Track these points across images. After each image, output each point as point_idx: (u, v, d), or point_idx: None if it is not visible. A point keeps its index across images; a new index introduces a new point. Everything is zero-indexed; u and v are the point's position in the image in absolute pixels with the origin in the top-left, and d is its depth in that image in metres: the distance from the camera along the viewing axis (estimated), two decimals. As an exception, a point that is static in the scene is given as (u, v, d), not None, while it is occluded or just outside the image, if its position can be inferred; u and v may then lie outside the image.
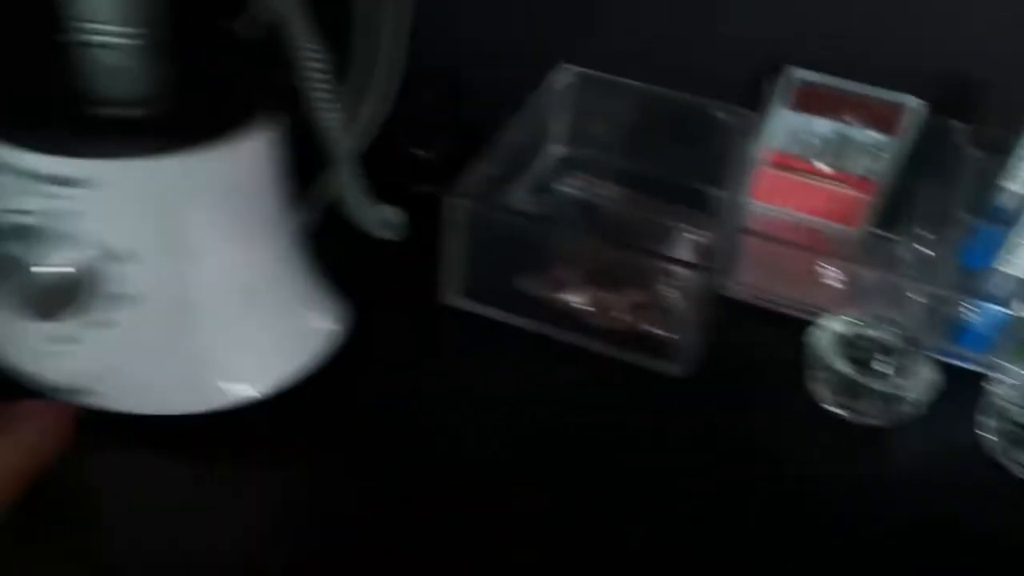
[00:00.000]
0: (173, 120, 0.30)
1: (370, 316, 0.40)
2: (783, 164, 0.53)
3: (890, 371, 0.39)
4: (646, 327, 0.42)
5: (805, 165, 0.53)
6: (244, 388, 0.34)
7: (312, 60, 0.34)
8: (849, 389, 0.39)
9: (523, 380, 0.41)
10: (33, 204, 0.28)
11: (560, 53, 0.55)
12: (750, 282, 0.47)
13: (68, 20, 0.28)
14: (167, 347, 0.33)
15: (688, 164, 0.55)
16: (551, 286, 0.42)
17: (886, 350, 0.40)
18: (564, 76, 0.54)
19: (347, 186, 0.44)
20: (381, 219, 0.46)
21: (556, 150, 0.56)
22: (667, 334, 0.42)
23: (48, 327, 0.31)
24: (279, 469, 0.35)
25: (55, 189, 0.28)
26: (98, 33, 0.28)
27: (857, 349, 0.40)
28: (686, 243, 0.47)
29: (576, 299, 0.42)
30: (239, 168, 0.31)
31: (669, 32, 0.54)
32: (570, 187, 0.52)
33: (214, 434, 0.34)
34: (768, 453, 0.39)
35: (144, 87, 0.30)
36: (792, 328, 0.45)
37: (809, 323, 0.44)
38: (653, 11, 0.54)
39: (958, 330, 0.44)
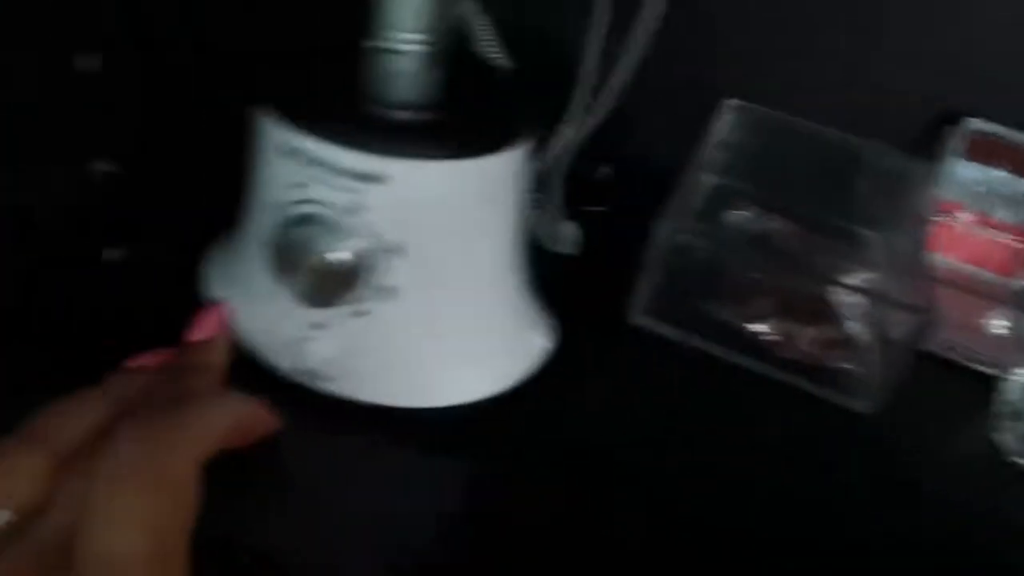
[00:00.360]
0: (456, 127, 0.31)
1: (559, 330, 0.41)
2: (953, 213, 0.53)
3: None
4: (832, 361, 0.42)
5: (974, 215, 0.53)
6: (467, 390, 0.35)
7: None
8: (1045, 441, 0.39)
9: (705, 402, 0.42)
10: (329, 195, 0.29)
11: (728, 87, 0.56)
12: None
13: (373, 27, 0.30)
14: (406, 341, 0.34)
15: (845, 205, 0.56)
16: (740, 314, 0.43)
17: (1082, 404, 0.40)
18: (732, 110, 0.55)
19: (534, 201, 0.46)
20: (560, 235, 0.47)
21: (716, 181, 0.57)
22: (852, 369, 0.42)
23: (311, 313, 0.32)
24: (478, 467, 0.36)
25: (350, 183, 0.29)
26: (398, 40, 0.30)
27: (1052, 401, 0.40)
28: (863, 282, 0.47)
29: (764, 328, 0.43)
30: (502, 178, 0.33)
31: (840, 74, 0.55)
32: (735, 218, 0.53)
33: (427, 428, 0.35)
34: (944, 497, 0.39)
35: (430, 95, 0.31)
36: (963, 376, 0.46)
37: (980, 372, 0.44)
38: (828, 52, 0.55)
39: None
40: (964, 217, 0.54)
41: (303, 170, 0.30)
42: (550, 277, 0.42)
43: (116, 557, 0.24)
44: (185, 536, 0.26)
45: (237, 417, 0.29)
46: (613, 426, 0.39)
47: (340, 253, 0.30)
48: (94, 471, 0.25)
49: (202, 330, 0.34)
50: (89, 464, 0.26)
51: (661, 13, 0.34)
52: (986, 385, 0.44)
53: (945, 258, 0.55)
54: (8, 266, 0.32)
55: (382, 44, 0.30)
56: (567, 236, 0.47)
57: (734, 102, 0.56)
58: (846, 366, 0.42)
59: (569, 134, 0.43)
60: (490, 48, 0.45)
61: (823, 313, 0.43)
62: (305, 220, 0.30)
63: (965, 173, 0.53)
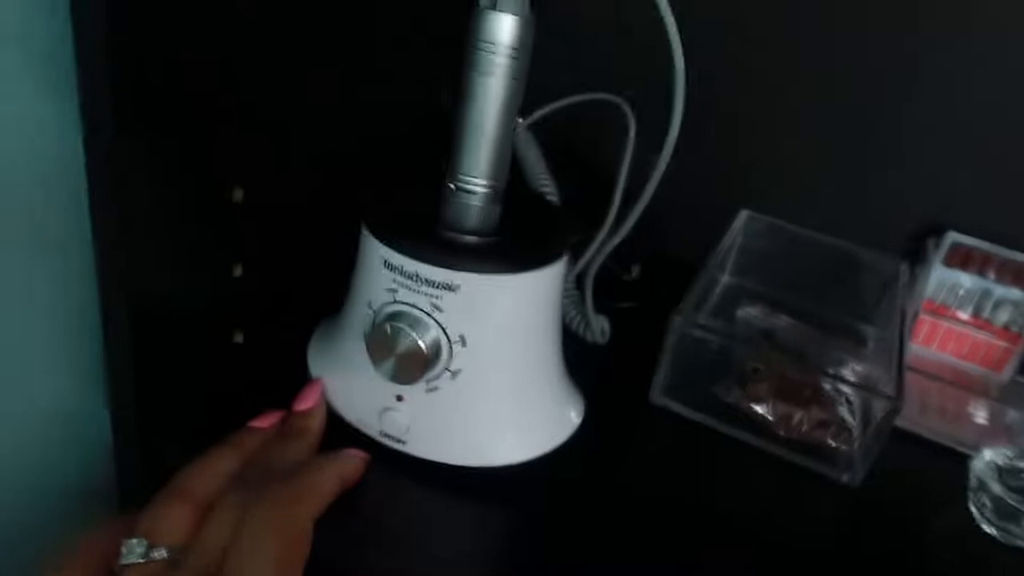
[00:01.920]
0: (511, 248, 0.41)
1: (589, 408, 0.49)
2: (938, 313, 0.61)
3: (1042, 500, 0.46)
4: (822, 439, 0.50)
5: (957, 315, 0.61)
6: (514, 453, 0.44)
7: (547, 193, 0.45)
8: (1005, 513, 0.46)
9: (712, 472, 0.49)
10: (414, 298, 0.39)
11: (743, 198, 0.66)
12: (910, 415, 0.54)
13: (450, 171, 0.40)
14: (466, 413, 0.43)
15: (845, 303, 0.64)
16: (744, 396, 0.51)
17: (1039, 481, 0.47)
18: (745, 218, 0.64)
19: (571, 297, 0.55)
20: (593, 327, 0.56)
21: (731, 280, 0.66)
22: (839, 447, 0.50)
23: (394, 388, 0.41)
24: (521, 516, 0.44)
25: (430, 290, 0.39)
26: (468, 183, 0.40)
27: (1016, 478, 0.47)
28: (853, 372, 0.55)
29: (763, 409, 0.51)
30: (546, 286, 0.42)
31: (842, 189, 0.64)
32: (746, 314, 0.61)
33: (481, 483, 0.43)
34: (920, 563, 0.46)
35: (491, 223, 0.41)
36: (947, 457, 0.53)
37: (964, 454, 0.51)
38: (831, 170, 0.64)
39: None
40: (955, 317, 0.61)
41: (395, 278, 0.39)
42: (584, 364, 0.51)
43: None
44: (302, 571, 0.35)
45: (341, 480, 0.39)
46: (634, 488, 0.47)
47: (420, 342, 0.39)
48: (238, 522, 0.35)
49: (305, 401, 0.44)
50: (225, 513, 0.35)
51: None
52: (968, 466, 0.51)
53: (938, 352, 0.62)
54: (162, 347, 0.42)
55: (456, 185, 0.40)
56: (599, 328, 0.56)
57: (747, 212, 0.65)
58: (833, 444, 0.50)
59: (603, 241, 0.52)
60: (540, 175, 0.55)
61: (815, 397, 0.51)
62: (394, 316, 0.40)
63: (953, 278, 0.61)
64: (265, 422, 0.42)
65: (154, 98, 0.36)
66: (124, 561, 0.34)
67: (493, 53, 0.37)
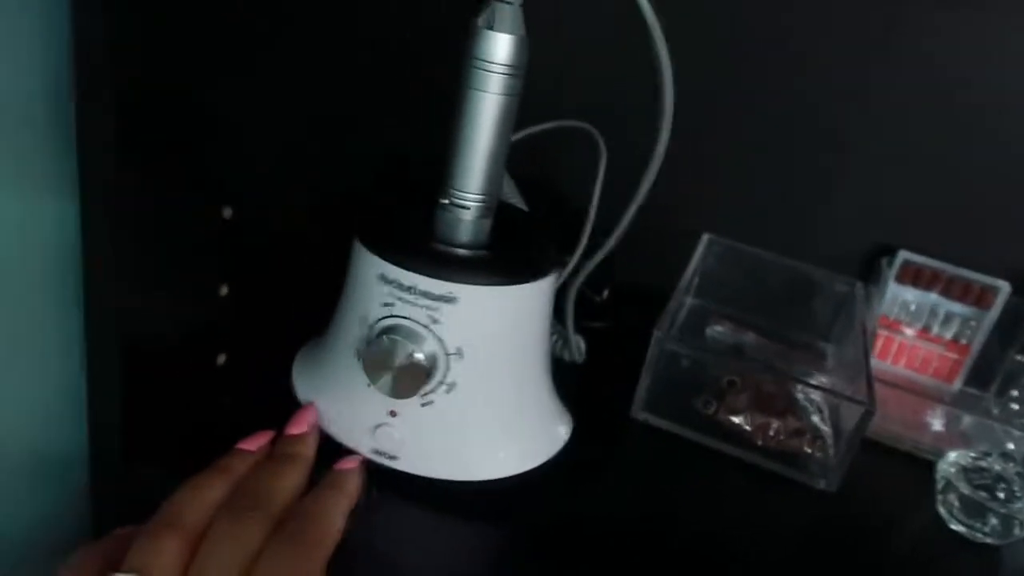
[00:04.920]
0: (504, 261, 0.42)
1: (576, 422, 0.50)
2: (892, 328, 0.64)
3: (1008, 497, 0.48)
4: (797, 447, 0.51)
5: (909, 330, 0.64)
6: (505, 467, 0.44)
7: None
8: (973, 510, 0.48)
9: (692, 481, 0.51)
10: (411, 311, 0.39)
11: (708, 224, 0.68)
12: (873, 423, 0.56)
13: (444, 188, 0.41)
14: (460, 427, 0.43)
15: (803, 321, 0.66)
16: (721, 409, 0.53)
17: (1005, 480, 0.49)
18: (709, 243, 0.67)
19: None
20: (571, 346, 0.57)
21: (696, 301, 0.68)
22: (813, 454, 0.51)
23: (389, 402, 0.41)
24: (511, 529, 0.44)
25: (427, 302, 0.39)
26: (462, 198, 0.41)
27: (981, 478, 0.49)
28: (819, 384, 0.57)
29: (740, 420, 0.52)
30: (538, 299, 0.43)
31: (799, 214, 0.67)
32: (715, 332, 0.63)
33: (472, 498, 0.43)
34: (896, 561, 0.47)
35: (482, 237, 0.42)
36: (911, 462, 0.55)
37: (923, 459, 0.53)
38: (789, 197, 0.68)
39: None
40: (908, 331, 0.65)
41: (392, 291, 0.40)
42: (563, 381, 0.52)
43: None
44: None
45: (351, 512, 0.38)
46: (619, 498, 0.47)
47: (417, 355, 0.39)
48: (243, 558, 0.34)
49: (298, 425, 0.43)
50: (220, 546, 0.34)
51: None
52: (931, 470, 0.53)
53: (893, 366, 0.65)
54: (147, 370, 0.41)
55: (451, 199, 0.41)
56: (576, 348, 0.57)
57: (709, 236, 0.67)
58: (808, 451, 0.51)
59: (579, 263, 0.53)
60: (512, 200, 0.57)
61: (789, 407, 0.53)
62: (392, 330, 0.40)
63: (904, 295, 0.64)
64: (253, 444, 0.41)
65: (149, 120, 0.36)
66: None
67: (488, 71, 0.39)
